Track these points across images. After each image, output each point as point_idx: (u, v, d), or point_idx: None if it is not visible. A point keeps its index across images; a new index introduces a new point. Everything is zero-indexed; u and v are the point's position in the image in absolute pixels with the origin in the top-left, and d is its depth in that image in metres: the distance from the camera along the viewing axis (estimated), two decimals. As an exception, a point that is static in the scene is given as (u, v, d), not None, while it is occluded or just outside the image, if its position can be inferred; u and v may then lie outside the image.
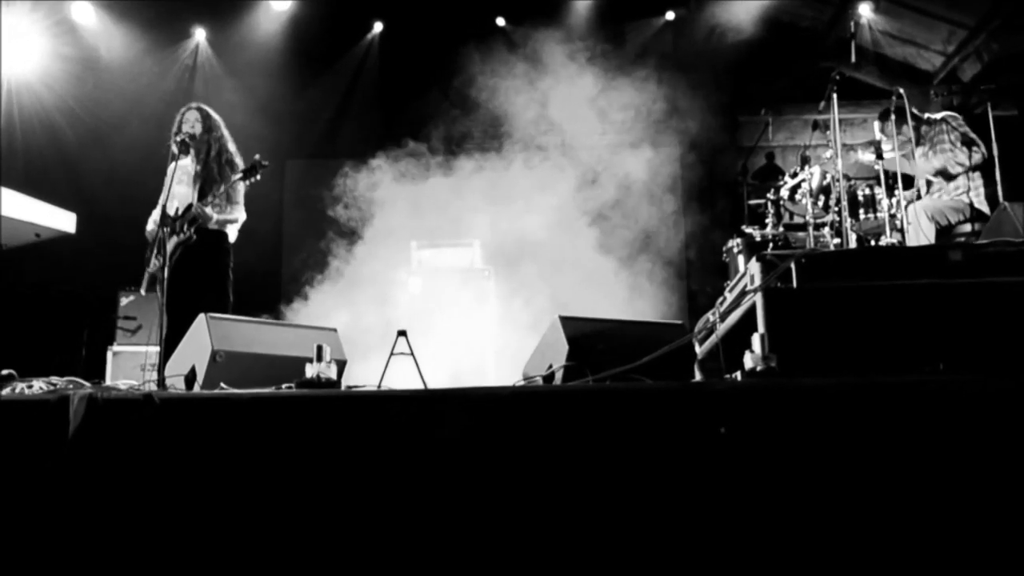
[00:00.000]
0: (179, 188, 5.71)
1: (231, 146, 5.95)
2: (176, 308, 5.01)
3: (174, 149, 5.46)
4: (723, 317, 4.14)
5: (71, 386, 3.46)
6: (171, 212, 5.61)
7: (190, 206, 5.66)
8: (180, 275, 5.49)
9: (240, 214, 5.94)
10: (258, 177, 5.60)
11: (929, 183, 6.55)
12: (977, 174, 6.36)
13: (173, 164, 5.45)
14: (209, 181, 5.76)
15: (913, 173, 6.61)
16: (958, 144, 6.37)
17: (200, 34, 10.00)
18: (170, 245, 5.57)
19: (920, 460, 2.62)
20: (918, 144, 6.63)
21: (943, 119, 6.56)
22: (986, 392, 2.68)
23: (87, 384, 3.53)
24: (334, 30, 9.96)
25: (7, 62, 9.13)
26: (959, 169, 6.32)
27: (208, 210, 5.67)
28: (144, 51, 9.79)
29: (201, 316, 4.04)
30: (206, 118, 5.91)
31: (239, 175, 5.64)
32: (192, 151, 5.81)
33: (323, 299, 7.69)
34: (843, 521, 2.60)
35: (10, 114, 9.20)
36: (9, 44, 9.12)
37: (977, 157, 6.32)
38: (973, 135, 6.42)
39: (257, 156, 5.58)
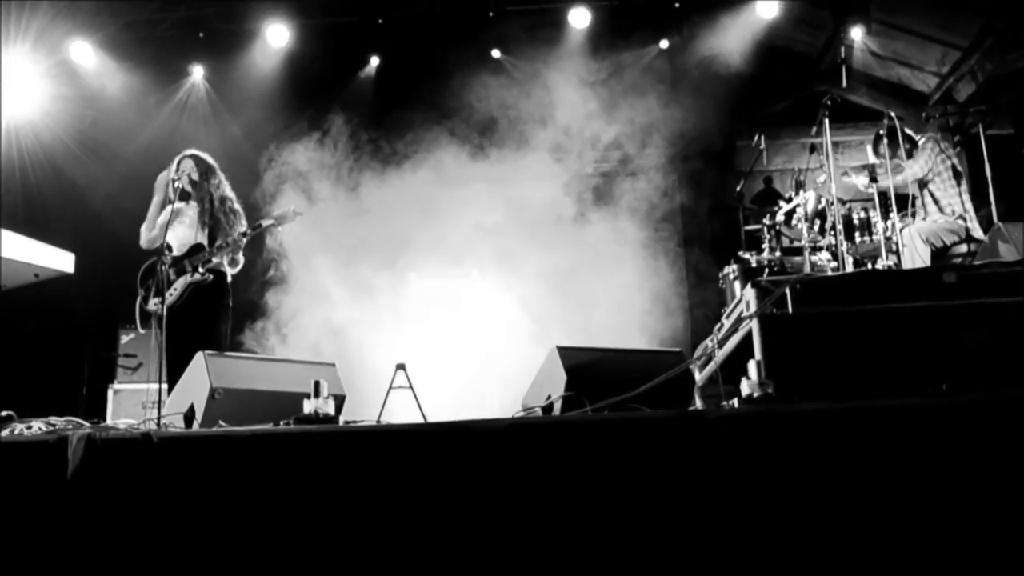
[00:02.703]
0: (180, 229, 5.78)
1: (229, 191, 6.01)
2: (184, 346, 5.02)
3: (170, 195, 5.50)
4: (721, 344, 4.14)
5: (70, 426, 3.45)
6: (176, 252, 5.69)
7: (198, 247, 5.71)
8: (189, 315, 5.54)
9: (241, 256, 5.98)
10: (289, 223, 5.76)
11: (925, 204, 6.52)
12: (967, 197, 6.31)
13: (169, 207, 5.47)
14: (218, 228, 5.83)
15: (904, 181, 6.54)
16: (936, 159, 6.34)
17: (198, 72, 10.07)
18: (179, 285, 5.63)
19: (924, 482, 2.61)
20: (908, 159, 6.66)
21: (932, 138, 6.55)
22: (990, 411, 2.66)
23: (86, 424, 3.53)
24: (331, 66, 10.03)
25: (7, 103, 9.21)
26: (916, 171, 6.28)
27: (241, 240, 5.76)
28: (142, 90, 9.86)
29: (199, 354, 4.05)
30: (200, 163, 5.95)
31: (271, 221, 5.80)
32: (193, 198, 5.88)
33: (322, 332, 7.68)
34: (843, 547, 2.59)
35: (10, 155, 9.26)
36: (9, 85, 9.21)
37: (916, 169, 6.26)
38: (955, 162, 6.37)
39: (292, 206, 5.82)
